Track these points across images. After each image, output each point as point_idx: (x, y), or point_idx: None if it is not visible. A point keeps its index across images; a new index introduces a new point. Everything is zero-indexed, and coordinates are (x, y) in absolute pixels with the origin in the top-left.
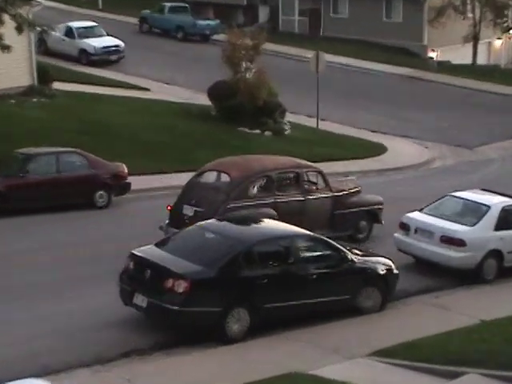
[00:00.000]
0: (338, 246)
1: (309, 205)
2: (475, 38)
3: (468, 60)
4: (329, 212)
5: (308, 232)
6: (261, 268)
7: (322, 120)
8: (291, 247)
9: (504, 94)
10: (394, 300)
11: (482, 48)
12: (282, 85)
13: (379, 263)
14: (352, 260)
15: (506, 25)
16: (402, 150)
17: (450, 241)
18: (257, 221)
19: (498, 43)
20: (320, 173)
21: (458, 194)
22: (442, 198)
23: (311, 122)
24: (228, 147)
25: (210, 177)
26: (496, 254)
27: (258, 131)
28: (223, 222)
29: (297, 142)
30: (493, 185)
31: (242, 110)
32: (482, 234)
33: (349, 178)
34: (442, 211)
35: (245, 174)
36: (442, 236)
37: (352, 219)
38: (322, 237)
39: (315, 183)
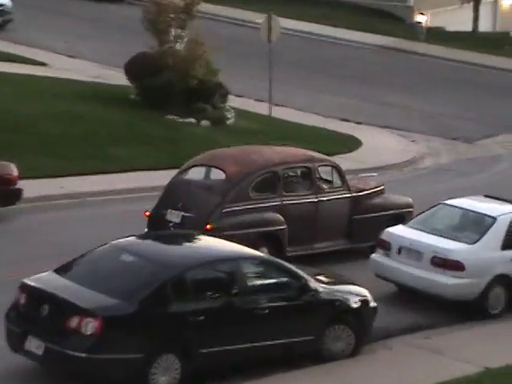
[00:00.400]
0: (297, 271)
1: (323, 208)
2: None
3: (467, 26)
4: (346, 217)
5: (258, 253)
6: (195, 301)
7: (277, 105)
8: (236, 273)
9: None
10: (371, 342)
11: (485, 10)
12: (223, 59)
13: (351, 293)
14: (315, 289)
15: None
16: (381, 145)
17: (443, 263)
18: (191, 239)
19: (507, 3)
20: (336, 168)
21: (453, 202)
22: (434, 207)
23: (262, 109)
24: (151, 141)
25: (199, 173)
26: (504, 280)
27: (191, 120)
28: (147, 241)
29: (242, 135)
30: (500, 190)
31: (170, 92)
32: (486, 254)
33: (369, 174)
34: (433, 225)
35: (244, 169)
36: (433, 257)
37: (375, 226)
38: (276, 259)
39: (330, 181)
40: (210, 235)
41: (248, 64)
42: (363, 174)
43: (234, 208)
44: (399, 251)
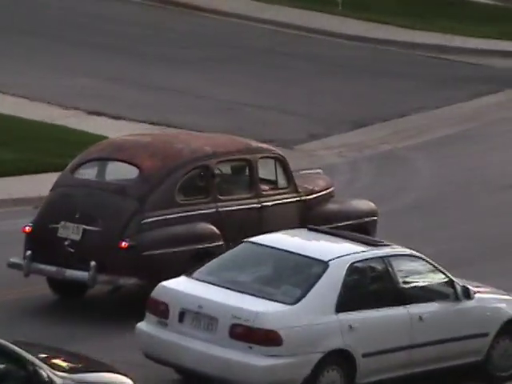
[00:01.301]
0: (23, 353)
1: (267, 216)
2: None
3: None
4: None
5: None
6: None
7: None
8: None
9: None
10: None
11: None
12: None
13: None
14: (49, 381)
15: None
16: None
17: (249, 335)
18: None
19: None
20: (280, 160)
21: (263, 239)
22: (235, 247)
23: None
24: None
25: (99, 171)
26: (341, 357)
27: None
28: None
29: None
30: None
31: None
32: (314, 318)
33: (314, 171)
34: (233, 275)
35: (166, 164)
36: (233, 325)
37: None
38: None
39: (273, 179)
40: (124, 256)
41: None
42: (305, 171)
43: (156, 218)
44: (181, 317)
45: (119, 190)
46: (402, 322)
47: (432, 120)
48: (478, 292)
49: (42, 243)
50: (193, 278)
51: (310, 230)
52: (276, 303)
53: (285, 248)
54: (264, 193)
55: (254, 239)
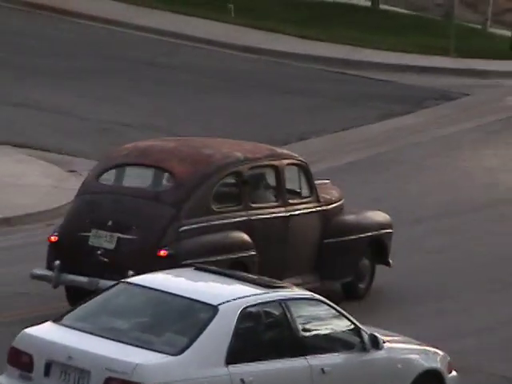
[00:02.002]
0: None
1: (294, 226)
2: None
3: None
4: (318, 239)
5: None
6: None
7: None
8: None
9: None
10: None
11: None
12: None
13: None
14: None
15: None
16: (12, 180)
17: None
18: None
19: None
20: (304, 168)
21: (143, 279)
22: (109, 289)
23: None
24: None
25: (129, 177)
26: None
27: None
28: None
29: None
30: None
31: None
32: (201, 371)
33: (323, 181)
34: (107, 320)
35: (200, 170)
36: (108, 379)
37: (350, 254)
38: None
39: (297, 188)
40: (163, 265)
41: None
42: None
43: (193, 225)
44: (47, 370)
45: (154, 197)
46: (302, 376)
47: (336, 144)
48: (388, 341)
49: (71, 253)
50: (61, 325)
51: (197, 269)
52: (158, 354)
53: (168, 290)
54: (290, 201)
55: (132, 280)
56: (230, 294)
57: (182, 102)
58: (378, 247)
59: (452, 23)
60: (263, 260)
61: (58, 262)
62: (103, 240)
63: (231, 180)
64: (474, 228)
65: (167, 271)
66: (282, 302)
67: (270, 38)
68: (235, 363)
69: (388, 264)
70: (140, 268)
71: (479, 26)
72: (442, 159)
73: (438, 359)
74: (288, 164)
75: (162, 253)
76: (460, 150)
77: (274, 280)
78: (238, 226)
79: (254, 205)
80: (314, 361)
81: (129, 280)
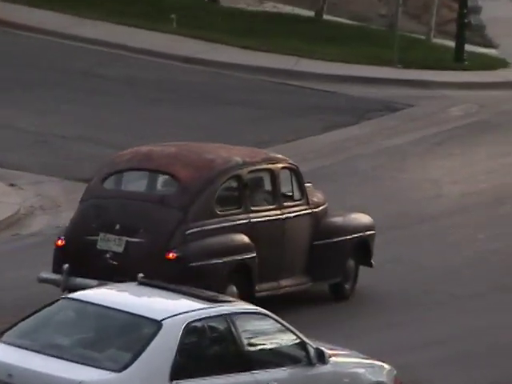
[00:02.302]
0: None
1: (289, 228)
2: None
3: None
4: (309, 241)
5: None
6: None
7: None
8: None
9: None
10: None
11: None
12: None
13: None
14: None
15: None
16: None
17: None
18: None
19: None
20: (295, 171)
21: (84, 294)
22: (50, 304)
23: None
24: None
25: (133, 181)
26: None
27: None
28: None
29: None
30: None
31: None
32: None
33: (307, 184)
34: (49, 337)
35: (203, 174)
36: None
37: (338, 255)
38: None
39: (290, 191)
40: (171, 268)
41: None
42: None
43: (199, 228)
44: None
45: (160, 200)
46: None
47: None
48: (334, 355)
49: (79, 256)
50: (1, 342)
51: (141, 284)
52: (100, 370)
53: (110, 305)
54: (285, 204)
55: (73, 295)
56: (173, 309)
57: (122, 113)
58: (362, 248)
59: (395, 34)
60: (261, 262)
61: (66, 266)
62: (112, 243)
63: (232, 184)
64: (421, 240)
65: (110, 286)
66: (227, 317)
67: (212, 48)
68: (180, 379)
69: (371, 265)
70: (149, 270)
71: (423, 37)
72: (387, 171)
73: (385, 373)
74: (282, 167)
75: (171, 255)
76: (405, 162)
77: (219, 294)
78: (240, 229)
79: (253, 208)
80: (260, 376)
81: (70, 295)
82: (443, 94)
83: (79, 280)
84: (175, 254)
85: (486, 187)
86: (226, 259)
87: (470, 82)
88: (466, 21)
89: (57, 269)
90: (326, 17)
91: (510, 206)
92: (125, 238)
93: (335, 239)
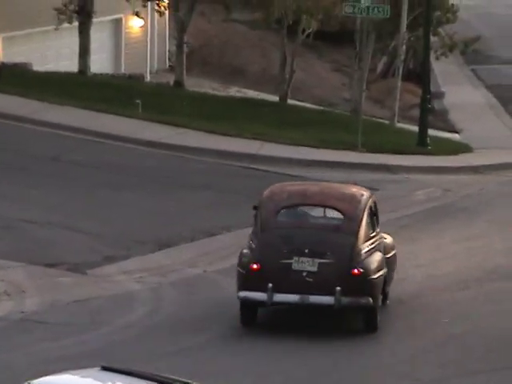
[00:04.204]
0: None
1: (385, 248)
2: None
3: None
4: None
5: None
6: None
7: None
8: None
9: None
10: None
11: (103, 35)
12: None
13: None
14: None
15: None
16: None
17: None
18: None
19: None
20: (376, 204)
21: (47, 381)
22: None
23: None
24: None
25: (305, 214)
26: None
27: None
28: None
29: None
30: None
31: None
32: None
33: None
34: None
35: (358, 206)
36: None
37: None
38: None
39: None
40: (358, 281)
41: None
42: None
43: (366, 249)
44: None
45: (336, 229)
46: None
47: (245, 240)
48: None
49: (277, 277)
50: None
51: (105, 369)
52: None
53: None
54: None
55: (35, 381)
56: None
57: (87, 198)
58: (391, 268)
59: (359, 118)
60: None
61: (270, 285)
62: (306, 265)
63: (370, 212)
64: (383, 323)
65: (73, 372)
66: None
67: (176, 133)
68: None
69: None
70: (341, 284)
71: (387, 122)
72: None
73: None
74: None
75: (356, 271)
76: None
77: (186, 380)
78: (379, 248)
79: (377, 230)
80: None
81: (33, 382)
82: (407, 178)
83: (282, 296)
84: (360, 270)
85: (450, 270)
86: (383, 273)
87: (433, 166)
88: (429, 106)
89: (251, 288)
90: (290, 101)
91: (475, 289)
92: (317, 260)
93: (391, 255)
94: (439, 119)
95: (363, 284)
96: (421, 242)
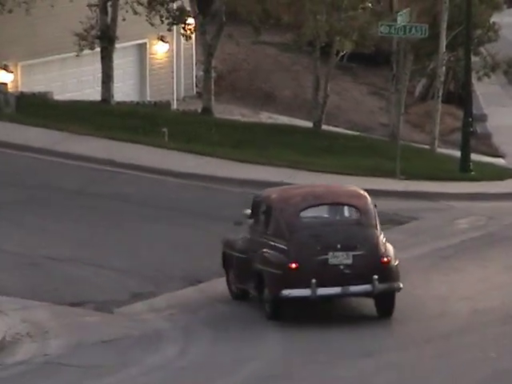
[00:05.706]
0: None
1: None
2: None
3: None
4: None
5: None
6: None
7: None
8: None
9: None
10: None
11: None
12: None
13: None
14: None
15: None
16: None
17: None
18: None
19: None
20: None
21: None
22: None
23: None
24: None
25: (326, 212)
26: None
27: None
28: None
29: None
30: None
31: None
32: None
33: None
34: None
35: (368, 202)
36: None
37: None
38: None
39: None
40: (388, 268)
41: None
42: None
43: (384, 238)
44: None
45: (357, 223)
46: None
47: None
48: None
49: (317, 272)
50: None
51: None
52: None
53: None
54: None
55: None
56: None
57: (114, 233)
58: None
59: (397, 144)
60: None
61: (314, 280)
62: (341, 258)
63: (374, 206)
64: (426, 362)
65: None
66: None
67: (205, 161)
68: None
69: None
70: (375, 273)
71: (427, 147)
72: None
73: None
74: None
75: (386, 259)
76: (410, 277)
77: None
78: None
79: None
80: None
81: None
82: (449, 205)
83: (325, 289)
84: (388, 258)
85: (497, 304)
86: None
87: (476, 192)
88: (471, 129)
89: (293, 286)
90: (324, 127)
91: None
92: (351, 253)
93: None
94: (482, 143)
95: (392, 270)
96: (464, 272)
